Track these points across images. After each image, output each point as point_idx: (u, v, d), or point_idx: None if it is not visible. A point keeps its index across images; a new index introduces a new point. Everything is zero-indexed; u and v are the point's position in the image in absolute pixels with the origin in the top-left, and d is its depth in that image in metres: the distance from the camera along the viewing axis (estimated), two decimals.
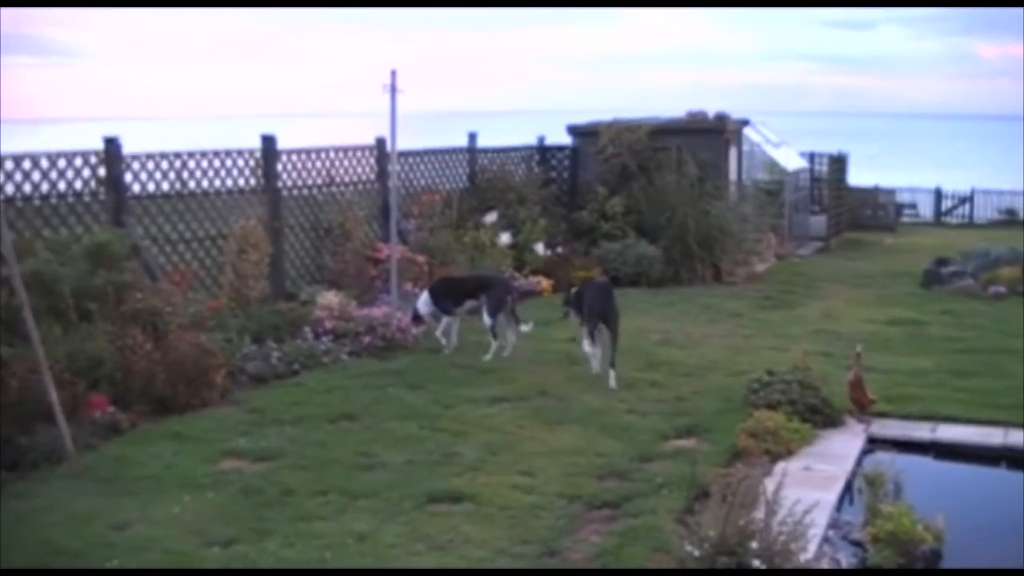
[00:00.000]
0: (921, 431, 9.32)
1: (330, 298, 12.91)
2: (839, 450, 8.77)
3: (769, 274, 18.82)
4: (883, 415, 9.62)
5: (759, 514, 6.39)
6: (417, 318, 12.57)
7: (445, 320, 12.43)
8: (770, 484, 6.90)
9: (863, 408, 9.53)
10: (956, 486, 8.84)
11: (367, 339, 12.11)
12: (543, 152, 20.35)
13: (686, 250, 17.70)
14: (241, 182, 13.84)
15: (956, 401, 10.08)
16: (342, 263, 14.70)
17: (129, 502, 7.52)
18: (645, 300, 15.83)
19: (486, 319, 12.11)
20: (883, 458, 8.35)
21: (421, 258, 15.03)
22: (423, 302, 12.55)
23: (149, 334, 10.04)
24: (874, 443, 9.08)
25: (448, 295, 12.52)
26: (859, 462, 8.55)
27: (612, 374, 10.77)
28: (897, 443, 8.99)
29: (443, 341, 12.30)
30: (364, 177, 15.91)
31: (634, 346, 12.37)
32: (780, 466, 8.15)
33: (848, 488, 8.03)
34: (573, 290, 12.33)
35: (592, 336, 11.20)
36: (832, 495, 7.71)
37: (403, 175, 16.31)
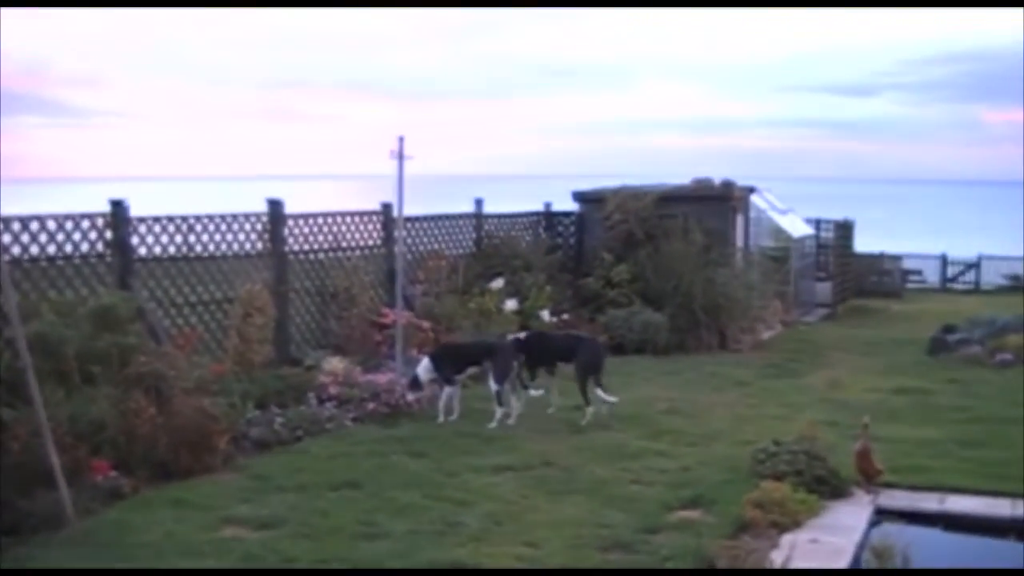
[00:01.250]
0: (929, 502, 9.23)
1: (335, 363, 12.87)
2: (847, 522, 8.66)
3: (775, 342, 18.77)
4: (890, 486, 9.51)
5: None
6: (415, 383, 12.41)
7: (447, 392, 12.27)
8: (777, 557, 6.84)
9: (870, 479, 9.43)
10: (965, 558, 8.70)
11: (371, 405, 12.05)
12: (549, 218, 20.41)
13: (692, 318, 17.69)
14: (247, 246, 13.87)
15: (964, 472, 9.98)
16: (347, 328, 14.68)
17: (128, 569, 7.44)
18: (651, 368, 15.80)
19: (492, 385, 12.04)
20: (891, 530, 8.24)
21: (426, 324, 15.00)
22: (424, 368, 12.39)
23: (152, 398, 9.98)
24: (881, 514, 8.95)
25: (450, 361, 12.41)
26: (867, 534, 8.44)
27: (590, 410, 12.01)
28: (905, 514, 8.88)
29: (440, 419, 12.05)
30: (370, 242, 15.95)
31: (639, 414, 12.35)
32: (787, 538, 8.05)
33: (856, 561, 7.92)
34: (513, 337, 13.08)
35: (585, 388, 12.13)
36: (840, 568, 7.61)
37: (409, 240, 16.36)
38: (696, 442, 11.26)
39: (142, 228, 12.66)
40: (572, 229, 20.44)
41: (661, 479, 9.78)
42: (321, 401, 11.95)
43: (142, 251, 12.70)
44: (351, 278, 15.08)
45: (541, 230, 20.08)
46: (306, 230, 14.79)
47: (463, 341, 13.95)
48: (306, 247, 14.80)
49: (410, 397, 12.34)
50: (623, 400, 12.41)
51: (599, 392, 12.16)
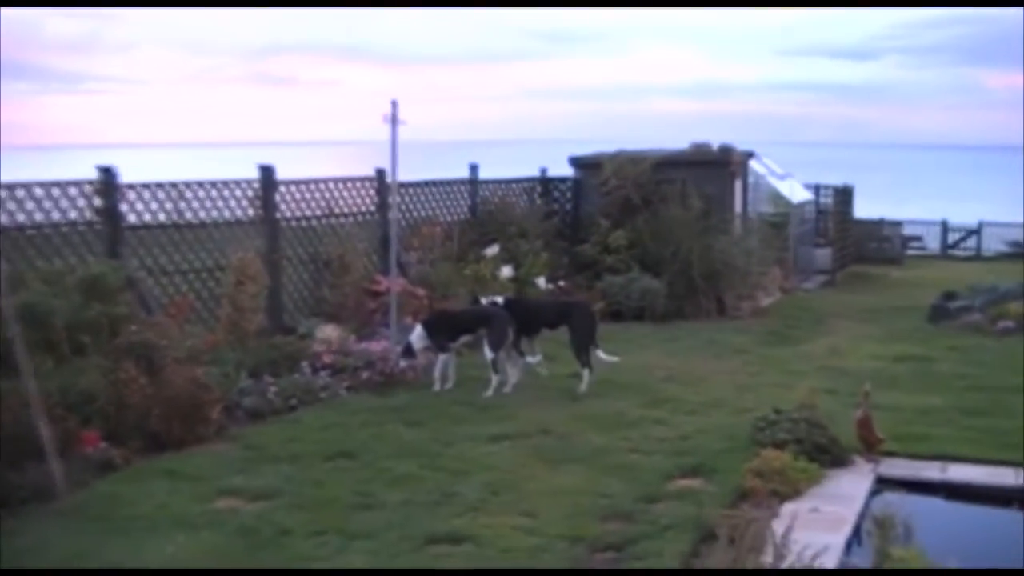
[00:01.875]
0: (931, 471, 9.12)
1: (328, 332, 12.75)
2: (848, 491, 8.56)
3: (774, 308, 18.64)
4: (891, 454, 9.38)
5: (767, 558, 6.20)
6: (408, 352, 12.28)
7: (441, 359, 12.13)
8: (778, 526, 6.72)
9: (871, 447, 9.32)
10: (967, 528, 8.63)
11: (365, 374, 11.93)
12: (545, 184, 20.20)
13: (690, 284, 17.54)
14: (239, 213, 13.70)
15: (966, 440, 9.87)
16: (341, 296, 14.52)
17: (121, 542, 7.33)
18: (649, 335, 15.70)
19: (487, 353, 11.91)
20: (892, 499, 8.11)
21: (421, 291, 14.84)
22: (417, 336, 12.25)
23: (144, 368, 9.85)
24: (883, 483, 8.85)
25: (443, 329, 12.24)
26: (868, 503, 8.34)
27: (586, 376, 11.93)
28: (906, 483, 8.77)
29: (437, 387, 11.95)
30: (364, 209, 15.76)
31: (638, 382, 12.25)
32: (788, 507, 7.94)
33: (857, 530, 7.82)
34: (497, 299, 12.85)
35: (580, 355, 12.03)
36: (841, 538, 7.50)
37: (403, 207, 16.18)
38: (695, 410, 11.15)
39: (132, 195, 12.46)
40: (569, 195, 20.24)
41: (660, 448, 9.67)
42: (315, 370, 11.83)
43: (132, 219, 12.50)
44: (344, 245, 14.91)
45: (537, 196, 19.87)
46: (299, 196, 14.61)
47: (457, 308, 13.82)
48: (299, 214, 14.62)
49: (402, 364, 12.20)
50: (621, 367, 12.31)
51: (600, 354, 12.04)
